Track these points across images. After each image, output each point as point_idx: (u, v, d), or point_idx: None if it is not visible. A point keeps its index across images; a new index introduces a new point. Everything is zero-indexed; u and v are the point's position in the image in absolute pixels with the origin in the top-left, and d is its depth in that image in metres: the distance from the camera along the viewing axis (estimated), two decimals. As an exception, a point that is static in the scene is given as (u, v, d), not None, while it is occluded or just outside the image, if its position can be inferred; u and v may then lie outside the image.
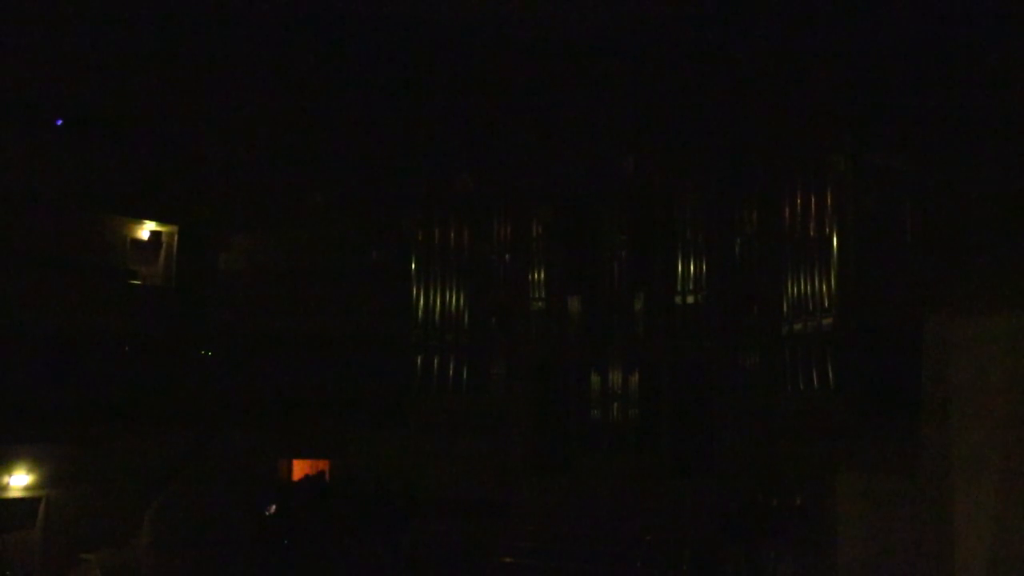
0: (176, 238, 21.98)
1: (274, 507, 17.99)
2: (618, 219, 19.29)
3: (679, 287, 18.73)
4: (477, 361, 19.96)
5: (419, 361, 19.92)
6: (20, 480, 17.15)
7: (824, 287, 16.63)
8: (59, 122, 20.14)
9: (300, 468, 20.89)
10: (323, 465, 20.51)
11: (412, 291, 20.17)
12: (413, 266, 20.24)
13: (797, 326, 17.10)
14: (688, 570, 16.35)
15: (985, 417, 10.87)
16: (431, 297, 20.10)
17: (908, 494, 12.37)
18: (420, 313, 20.07)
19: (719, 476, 17.71)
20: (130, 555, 17.38)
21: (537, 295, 19.68)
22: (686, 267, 18.69)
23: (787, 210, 17.52)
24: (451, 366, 19.88)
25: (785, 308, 17.41)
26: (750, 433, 17.60)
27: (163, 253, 21.89)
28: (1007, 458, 10.43)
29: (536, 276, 19.72)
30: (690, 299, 18.61)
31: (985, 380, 10.98)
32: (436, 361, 19.90)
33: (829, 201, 16.73)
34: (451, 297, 20.09)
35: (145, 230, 21.50)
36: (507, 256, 20.24)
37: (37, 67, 18.94)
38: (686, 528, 17.05)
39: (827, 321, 16.47)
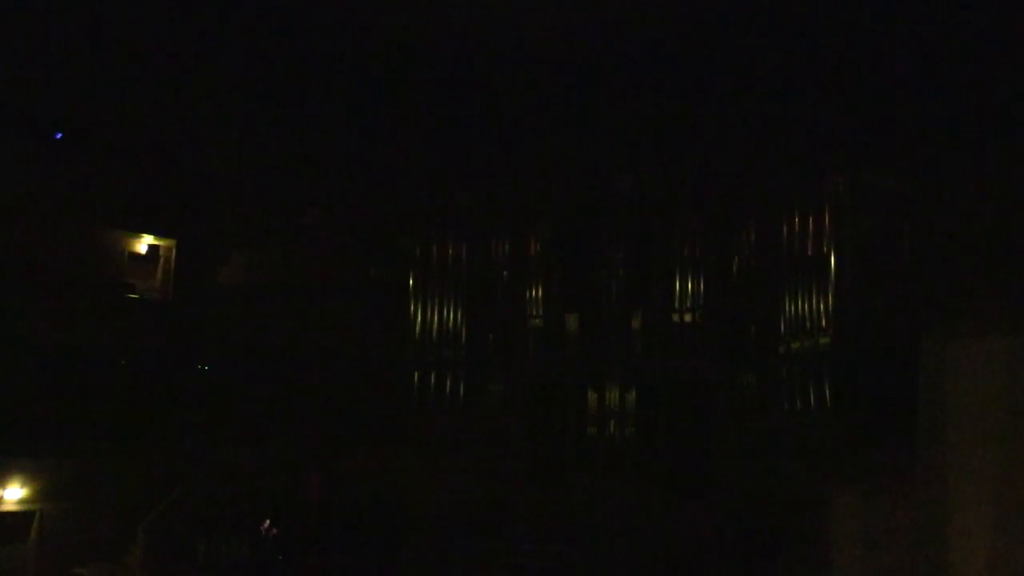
0: (174, 252, 22.01)
1: (269, 522, 17.94)
2: (616, 237, 19.29)
3: (677, 305, 18.71)
4: (474, 377, 19.92)
5: (416, 377, 19.87)
6: (14, 493, 17.11)
7: (822, 307, 16.64)
8: (58, 136, 20.18)
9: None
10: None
11: (410, 307, 20.15)
12: (411, 282, 20.22)
13: (795, 345, 17.09)
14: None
15: (981, 437, 10.88)
16: (429, 313, 20.08)
17: (904, 514, 12.36)
18: (418, 329, 20.04)
19: (715, 495, 17.65)
20: (123, 570, 17.35)
21: (535, 312, 19.67)
22: (684, 285, 18.68)
23: (785, 230, 17.55)
24: (448, 382, 19.83)
25: (782, 327, 17.40)
26: (747, 452, 17.54)
27: (161, 267, 21.92)
28: (1003, 478, 10.44)
29: (534, 293, 19.72)
30: (687, 317, 18.59)
31: (981, 401, 11.00)
32: (433, 377, 19.85)
33: (827, 221, 16.75)
34: (449, 313, 20.07)
35: (143, 244, 21.53)
36: (505, 273, 20.25)
37: (36, 80, 19.00)
38: (682, 547, 16.99)
39: (824, 341, 16.47)
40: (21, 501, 17.20)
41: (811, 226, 17.04)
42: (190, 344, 21.35)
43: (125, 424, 19.11)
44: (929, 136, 15.48)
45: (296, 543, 18.07)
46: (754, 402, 17.90)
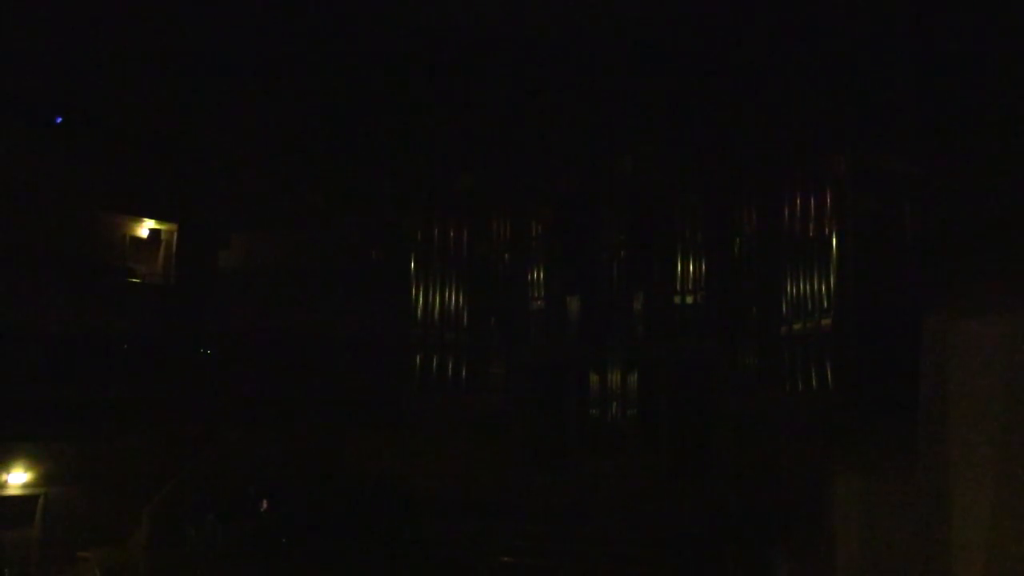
0: (176, 236, 21.97)
1: (265, 503, 18.01)
2: (617, 219, 19.28)
3: (678, 287, 18.71)
4: (476, 361, 19.92)
5: (418, 360, 19.86)
6: (18, 478, 17.16)
7: (823, 288, 16.60)
8: (58, 119, 20.12)
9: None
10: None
11: (411, 290, 20.11)
12: (412, 265, 20.19)
13: (796, 327, 17.06)
14: (686, 571, 16.38)
15: (983, 419, 10.90)
16: (430, 296, 20.06)
17: (906, 495, 12.40)
18: (419, 312, 20.02)
19: (717, 476, 17.71)
20: (128, 553, 17.44)
21: (536, 295, 19.67)
22: (685, 267, 18.67)
23: (786, 211, 17.49)
24: (450, 365, 19.82)
25: (784, 309, 17.36)
26: (748, 434, 17.58)
27: (162, 251, 21.89)
28: (1004, 460, 10.46)
29: (535, 276, 19.72)
30: (689, 299, 18.59)
31: (983, 382, 11.01)
32: (435, 360, 19.84)
33: (828, 202, 16.69)
34: (450, 296, 20.05)
35: (144, 228, 21.50)
36: (506, 256, 20.21)
37: (36, 63, 18.93)
38: (684, 529, 17.06)
39: (826, 322, 16.44)
40: (25, 485, 17.26)
41: (812, 207, 17.00)
42: (192, 328, 21.36)
43: (128, 408, 19.14)
44: (931, 116, 15.40)
45: (298, 525, 18.14)
46: (755, 383, 17.87)
